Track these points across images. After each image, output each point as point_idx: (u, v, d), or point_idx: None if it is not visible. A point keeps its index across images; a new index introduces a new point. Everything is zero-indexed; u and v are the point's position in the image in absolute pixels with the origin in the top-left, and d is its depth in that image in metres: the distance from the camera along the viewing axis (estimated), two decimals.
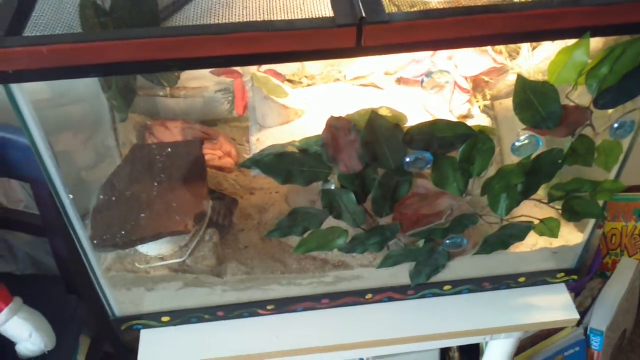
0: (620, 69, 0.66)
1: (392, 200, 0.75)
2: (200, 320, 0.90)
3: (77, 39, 0.57)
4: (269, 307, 0.91)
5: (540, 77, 0.67)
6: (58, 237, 1.04)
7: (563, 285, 0.95)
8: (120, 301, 0.86)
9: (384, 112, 0.67)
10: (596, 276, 1.34)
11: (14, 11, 0.60)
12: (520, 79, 0.65)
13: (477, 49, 0.80)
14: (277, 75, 0.87)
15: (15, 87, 0.60)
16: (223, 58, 0.58)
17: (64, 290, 1.12)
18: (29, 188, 1.11)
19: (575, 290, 1.28)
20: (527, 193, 0.77)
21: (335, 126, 0.67)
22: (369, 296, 0.92)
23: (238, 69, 0.86)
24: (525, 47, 0.79)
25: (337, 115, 0.67)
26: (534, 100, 0.67)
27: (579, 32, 0.62)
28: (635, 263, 1.32)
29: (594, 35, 0.63)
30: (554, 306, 0.93)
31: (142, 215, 0.79)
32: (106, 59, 0.57)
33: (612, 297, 1.26)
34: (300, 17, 0.62)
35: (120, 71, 0.61)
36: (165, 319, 0.89)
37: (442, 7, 0.65)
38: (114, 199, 0.80)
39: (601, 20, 0.62)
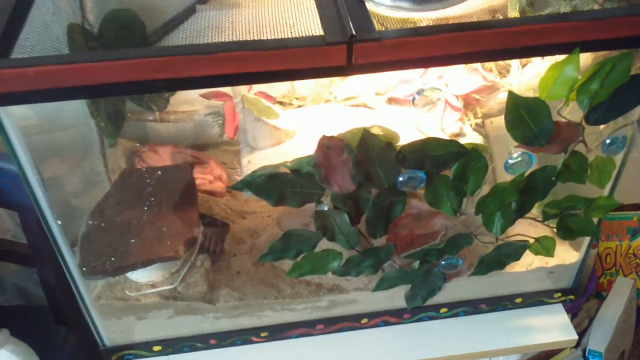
0: (611, 84, 0.66)
1: (386, 221, 0.74)
2: (193, 348, 0.88)
3: (63, 60, 0.56)
4: (263, 334, 0.89)
5: (530, 94, 0.67)
6: (46, 267, 1.02)
7: (560, 306, 0.95)
8: (111, 330, 0.84)
9: (376, 131, 0.67)
10: (592, 297, 1.33)
11: (0, 34, 0.59)
12: (512, 96, 0.65)
13: (467, 67, 0.81)
14: (268, 97, 0.87)
15: (3, 111, 0.60)
16: (214, 78, 0.58)
17: (52, 321, 1.10)
18: (16, 217, 1.10)
19: (572, 312, 1.27)
20: (522, 211, 0.76)
21: (327, 145, 0.66)
22: (365, 320, 0.90)
23: (228, 91, 0.85)
24: (515, 64, 0.80)
25: (329, 134, 0.67)
26: (526, 117, 0.67)
27: (569, 48, 0.62)
28: (631, 282, 1.31)
29: (583, 50, 0.63)
30: (551, 327, 0.92)
31: (132, 241, 0.77)
32: (94, 80, 0.57)
33: (609, 317, 1.25)
34: (290, 37, 0.62)
35: (108, 92, 0.60)
36: (156, 348, 0.87)
37: (431, 24, 0.65)
38: (102, 225, 0.78)
39: (590, 36, 0.62)
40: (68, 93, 0.58)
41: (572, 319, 1.26)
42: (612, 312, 1.26)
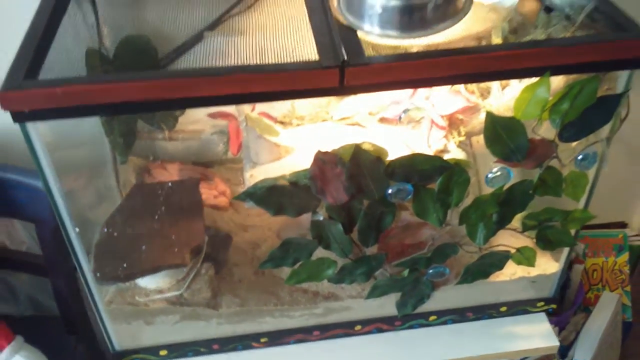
0: (580, 104, 0.72)
1: (377, 230, 0.80)
2: (197, 353, 0.93)
3: (87, 81, 0.63)
4: (263, 340, 0.94)
5: (509, 115, 0.73)
6: (59, 277, 1.07)
7: (543, 314, 0.99)
8: (120, 335, 0.89)
9: (366, 147, 0.73)
10: (579, 311, 1.37)
11: (30, 59, 0.66)
12: (489, 115, 0.71)
13: (451, 89, 0.87)
14: (270, 117, 0.93)
15: (31, 127, 0.66)
16: (220, 97, 0.64)
17: (63, 330, 1.14)
18: (31, 230, 1.15)
19: (560, 325, 1.31)
20: (502, 222, 0.82)
21: (322, 160, 0.73)
22: (358, 327, 0.95)
23: (233, 111, 0.92)
24: (495, 86, 0.86)
25: (324, 150, 0.73)
26: (503, 134, 0.73)
27: (541, 72, 0.69)
28: (616, 297, 1.36)
29: (554, 74, 0.69)
30: (535, 334, 0.97)
31: (143, 248, 0.83)
32: (113, 98, 0.63)
33: (594, 330, 1.29)
34: (289, 61, 0.69)
35: (125, 110, 0.66)
36: (162, 352, 0.92)
37: (419, 50, 0.72)
38: (116, 234, 0.84)
39: (559, 61, 0.69)
40: (89, 110, 0.64)
41: (559, 332, 1.31)
42: (597, 325, 1.30)
